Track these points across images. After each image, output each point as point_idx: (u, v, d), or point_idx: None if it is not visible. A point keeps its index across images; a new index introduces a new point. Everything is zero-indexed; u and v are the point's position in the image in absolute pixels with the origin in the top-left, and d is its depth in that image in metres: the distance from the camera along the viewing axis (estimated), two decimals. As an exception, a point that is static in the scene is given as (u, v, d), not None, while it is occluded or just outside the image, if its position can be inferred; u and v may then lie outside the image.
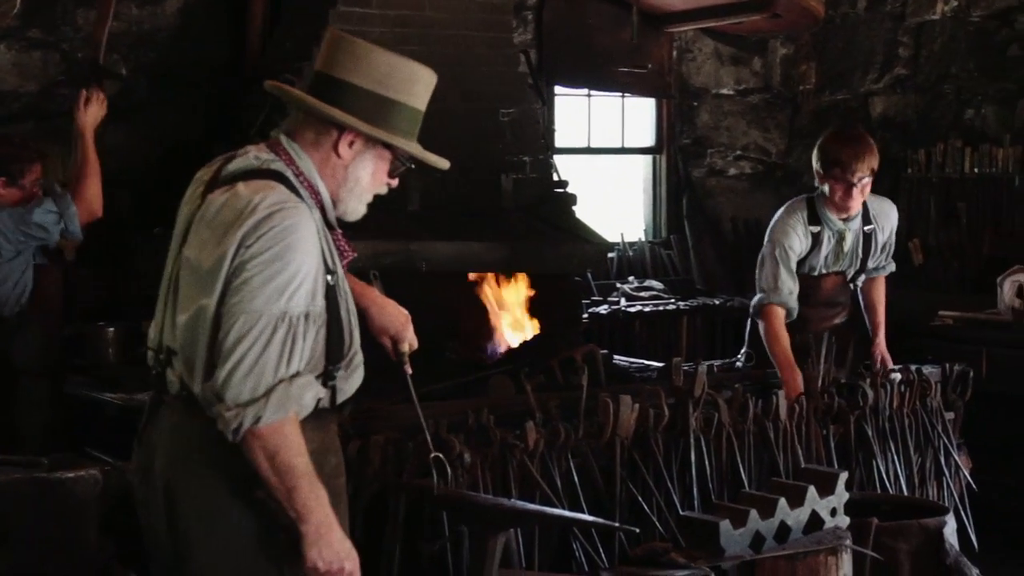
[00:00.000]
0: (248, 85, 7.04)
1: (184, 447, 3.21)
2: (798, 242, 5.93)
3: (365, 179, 3.35)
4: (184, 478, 3.20)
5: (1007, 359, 7.29)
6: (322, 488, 3.14)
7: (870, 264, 6.18)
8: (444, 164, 3.46)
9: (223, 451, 3.12)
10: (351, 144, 3.31)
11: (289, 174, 3.25)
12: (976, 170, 8.76)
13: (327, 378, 3.25)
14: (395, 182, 3.45)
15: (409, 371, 3.77)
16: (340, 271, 3.31)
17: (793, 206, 6.03)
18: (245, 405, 3.04)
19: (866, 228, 6.06)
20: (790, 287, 5.88)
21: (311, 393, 3.17)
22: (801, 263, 5.98)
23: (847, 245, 6.03)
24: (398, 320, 3.73)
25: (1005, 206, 8.58)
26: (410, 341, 3.76)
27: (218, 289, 3.09)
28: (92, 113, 5.82)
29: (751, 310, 6.05)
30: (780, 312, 5.86)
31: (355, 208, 3.39)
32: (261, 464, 3.08)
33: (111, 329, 6.14)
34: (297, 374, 3.12)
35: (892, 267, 6.37)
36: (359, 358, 3.37)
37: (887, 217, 6.18)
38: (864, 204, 5.99)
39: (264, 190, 3.16)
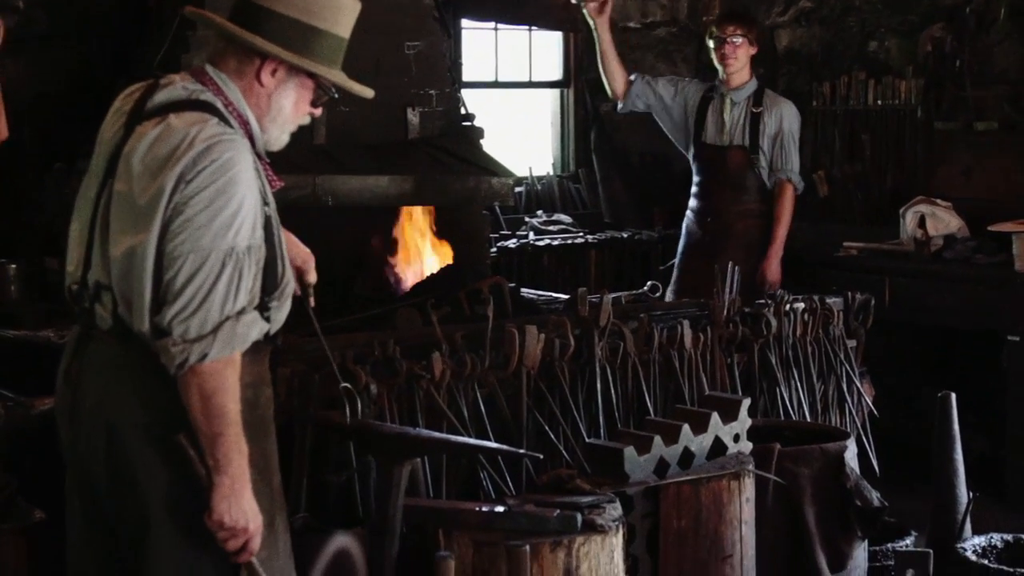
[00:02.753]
0: (151, 16, 6.93)
1: (124, 384, 3.17)
2: (692, 84, 7.44)
3: (288, 108, 3.33)
4: (125, 416, 3.16)
5: (909, 288, 7.40)
6: (245, 443, 3.12)
7: (764, 146, 7.06)
8: (368, 93, 3.45)
9: (166, 387, 3.10)
10: (273, 72, 3.28)
11: (219, 104, 3.22)
12: (880, 102, 8.81)
13: (263, 310, 3.23)
14: (318, 112, 3.43)
15: (312, 304, 3.78)
16: (272, 201, 3.29)
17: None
18: (192, 341, 3.02)
19: (755, 108, 7.09)
20: (664, 84, 7.40)
21: (256, 329, 3.17)
22: (700, 130, 7.18)
23: (728, 113, 7.11)
24: (302, 254, 3.73)
25: (908, 138, 8.66)
26: (312, 275, 3.77)
27: (156, 225, 3.06)
28: None
29: None
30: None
31: (278, 137, 3.38)
32: (194, 404, 3.05)
33: (13, 266, 6.05)
34: (243, 310, 3.10)
35: (796, 177, 7.09)
36: (290, 288, 3.38)
37: (779, 108, 7.14)
38: (761, 92, 7.16)
39: (199, 123, 3.13)
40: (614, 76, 7.34)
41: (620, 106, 7.50)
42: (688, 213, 7.37)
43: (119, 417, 3.17)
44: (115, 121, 3.27)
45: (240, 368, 3.14)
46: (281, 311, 3.35)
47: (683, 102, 7.31)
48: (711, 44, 7.22)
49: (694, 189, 7.35)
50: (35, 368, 4.47)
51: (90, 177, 3.29)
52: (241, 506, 3.12)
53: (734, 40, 7.07)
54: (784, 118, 7.14)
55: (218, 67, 3.29)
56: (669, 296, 7.08)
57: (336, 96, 3.43)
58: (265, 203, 3.23)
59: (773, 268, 7.04)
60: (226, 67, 3.29)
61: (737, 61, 7.10)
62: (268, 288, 3.25)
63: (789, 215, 7.09)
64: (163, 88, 3.25)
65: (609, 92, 7.48)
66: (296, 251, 3.70)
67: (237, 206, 3.08)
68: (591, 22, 7.26)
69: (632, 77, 7.39)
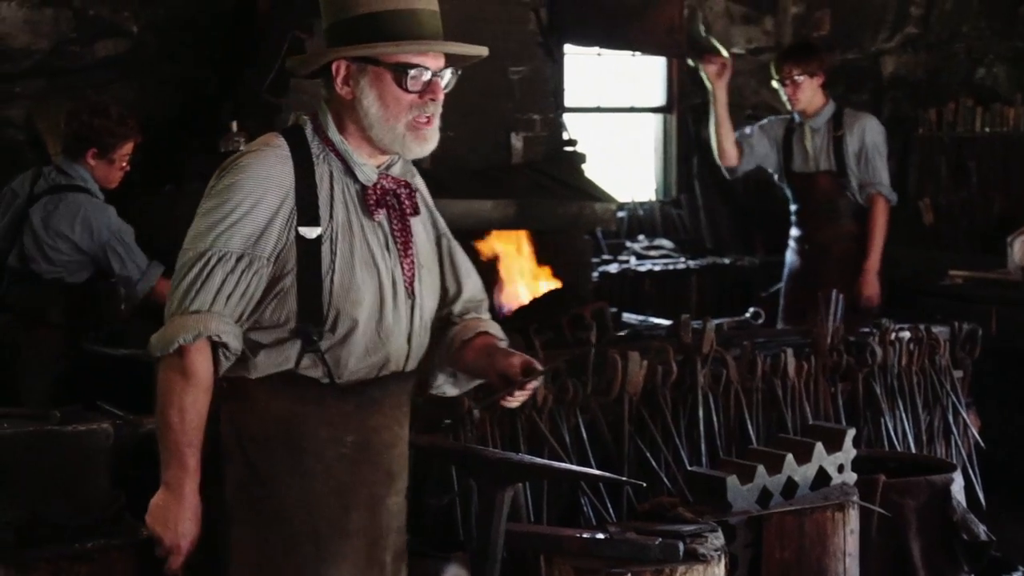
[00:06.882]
0: (259, 40, 7.02)
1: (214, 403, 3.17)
2: (775, 121, 7.33)
3: (374, 107, 3.15)
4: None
5: (1016, 318, 7.29)
6: (190, 459, 3.07)
7: (852, 166, 7.02)
8: (450, 49, 3.28)
9: (227, 395, 3.14)
10: (346, 80, 3.17)
11: (307, 128, 3.21)
12: (987, 129, 8.73)
13: (305, 340, 3.12)
14: (435, 94, 3.22)
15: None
16: (340, 224, 3.16)
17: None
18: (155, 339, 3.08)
19: (836, 132, 7.05)
20: (757, 137, 7.26)
21: (192, 333, 3.02)
22: (788, 161, 7.16)
23: (809, 141, 7.08)
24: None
25: (1016, 165, 8.56)
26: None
27: None
28: None
29: None
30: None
31: (394, 139, 3.19)
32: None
33: (123, 286, 6.14)
34: (197, 311, 3.03)
35: (886, 189, 7.03)
36: (354, 333, 3.16)
37: (859, 124, 7.09)
38: (840, 113, 7.10)
39: (257, 141, 3.19)
40: (726, 142, 7.22)
41: (732, 172, 7.35)
42: (790, 241, 7.34)
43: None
44: None
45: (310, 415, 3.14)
46: (344, 353, 3.16)
47: (773, 139, 7.25)
48: (775, 85, 7.14)
49: (793, 218, 7.33)
50: (144, 386, 4.53)
51: None
52: (165, 517, 3.09)
53: (796, 79, 7.00)
54: (866, 132, 7.06)
55: (323, 100, 3.26)
56: (780, 325, 7.04)
57: (413, 66, 3.15)
58: (311, 222, 3.12)
59: (870, 282, 6.92)
60: (322, 97, 3.26)
61: (802, 99, 7.04)
62: (306, 315, 3.11)
63: (883, 228, 6.98)
64: None
65: (717, 156, 7.30)
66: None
67: (229, 210, 3.06)
68: (708, 85, 7.24)
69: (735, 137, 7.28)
